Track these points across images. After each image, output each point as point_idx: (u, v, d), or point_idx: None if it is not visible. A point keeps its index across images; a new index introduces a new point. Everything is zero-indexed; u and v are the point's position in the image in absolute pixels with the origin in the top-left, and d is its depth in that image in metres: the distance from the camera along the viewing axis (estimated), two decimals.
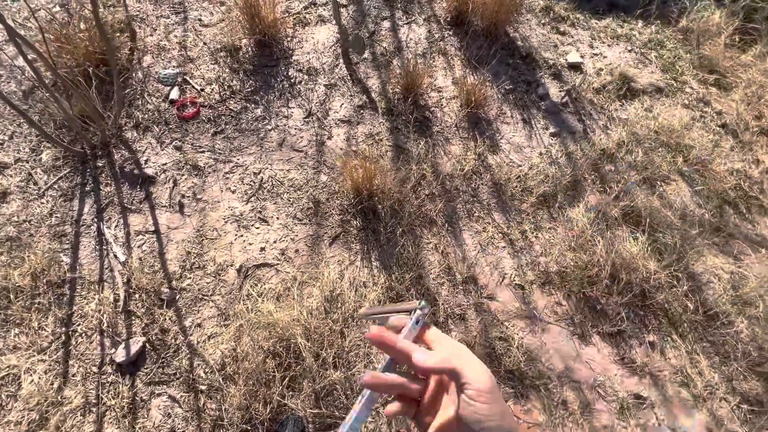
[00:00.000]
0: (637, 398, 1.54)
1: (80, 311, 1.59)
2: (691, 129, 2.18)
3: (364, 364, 1.51)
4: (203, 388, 1.47)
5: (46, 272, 1.63)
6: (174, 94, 2.07)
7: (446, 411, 0.39)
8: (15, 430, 1.38)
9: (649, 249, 1.77)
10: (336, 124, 2.08)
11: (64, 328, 1.55)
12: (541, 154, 2.07)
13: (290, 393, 1.45)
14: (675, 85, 2.36)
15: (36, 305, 1.58)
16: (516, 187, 1.96)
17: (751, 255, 1.83)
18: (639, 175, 2.00)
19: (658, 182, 2.01)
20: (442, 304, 1.65)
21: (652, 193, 1.96)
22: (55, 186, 1.82)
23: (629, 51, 2.48)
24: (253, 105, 2.10)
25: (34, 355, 1.50)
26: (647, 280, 1.70)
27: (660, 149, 2.11)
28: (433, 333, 0.42)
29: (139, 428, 1.41)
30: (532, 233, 1.85)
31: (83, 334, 1.55)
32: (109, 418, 1.42)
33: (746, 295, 1.70)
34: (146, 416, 1.43)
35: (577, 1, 2.61)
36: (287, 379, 1.46)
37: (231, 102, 2.10)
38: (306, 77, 2.20)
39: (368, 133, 2.05)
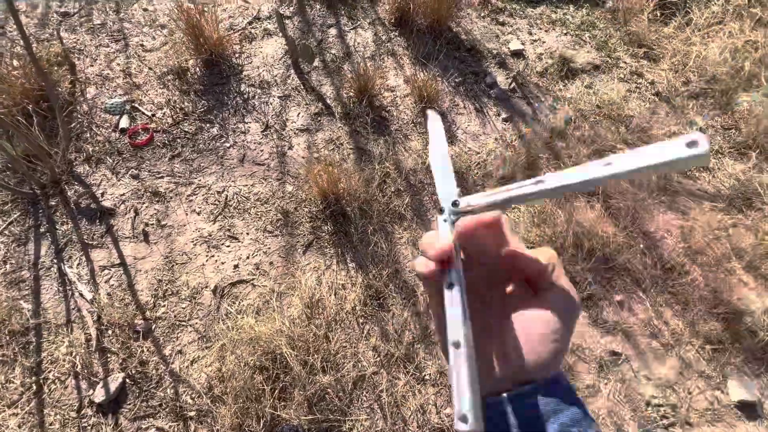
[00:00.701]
0: (613, 355, 1.63)
1: (50, 357, 1.52)
2: (628, 100, 2.34)
3: (352, 364, 1.52)
4: (192, 414, 1.44)
5: (6, 322, 1.54)
6: (124, 122, 2.02)
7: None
8: None
9: (605, 215, 1.89)
10: (295, 133, 2.09)
11: (34, 378, 1.48)
12: (496, 139, 2.16)
13: (282, 404, 1.44)
14: (610, 61, 2.53)
15: (0, 358, 1.50)
16: (477, 173, 2.03)
17: (695, 208, 1.99)
18: (588, 149, 2.12)
19: (607, 152, 2.15)
20: (421, 294, 1.69)
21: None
22: (6, 232, 1.73)
23: (565, 34, 2.64)
24: (208, 124, 2.08)
25: (4, 410, 1.42)
26: (607, 244, 1.81)
27: (604, 122, 2.25)
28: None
29: None
30: None
31: (56, 380, 1.48)
32: None
33: (696, 245, 1.85)
34: None
35: None
36: (277, 390, 1.45)
37: (185, 124, 2.07)
38: (259, 91, 2.20)
39: (328, 138, 2.08)
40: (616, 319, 1.70)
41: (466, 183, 2.00)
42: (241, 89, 2.20)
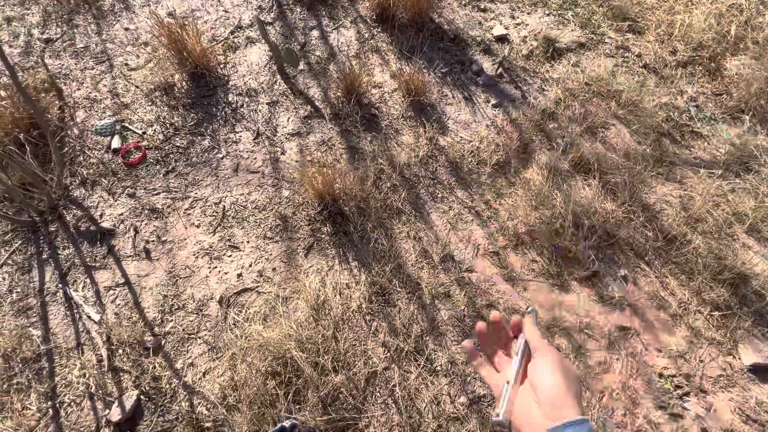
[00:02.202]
0: (621, 330, 1.63)
1: (63, 381, 1.53)
2: (617, 75, 2.33)
3: (363, 361, 1.53)
4: (208, 425, 1.45)
5: (17, 350, 1.56)
6: (115, 143, 2.03)
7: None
8: None
9: (603, 191, 1.88)
10: (286, 138, 2.09)
11: (50, 402, 1.49)
12: (487, 126, 2.16)
13: (297, 407, 1.45)
14: (595, 38, 2.52)
15: (14, 386, 1.51)
16: (471, 161, 2.03)
17: (692, 177, 1.98)
18: (580, 127, 2.12)
19: (599, 129, 2.14)
20: (426, 286, 1.70)
21: (595, 140, 2.09)
22: (9, 261, 1.75)
23: (548, 15, 2.63)
24: (199, 137, 2.09)
25: None
26: (607, 220, 1.81)
27: (594, 99, 2.24)
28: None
29: None
30: (495, 201, 1.93)
31: (72, 403, 1.50)
32: None
33: (696, 214, 1.84)
34: None
35: None
36: (291, 394, 1.46)
37: (176, 139, 2.07)
38: (247, 99, 2.20)
39: (320, 140, 2.08)
40: (622, 295, 1.70)
41: (461, 172, 2.00)
42: (229, 99, 2.20)
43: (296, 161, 2.02)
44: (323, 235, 1.82)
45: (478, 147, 2.07)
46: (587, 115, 2.16)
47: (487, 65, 2.38)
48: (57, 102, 2.10)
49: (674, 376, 1.53)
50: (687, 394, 1.50)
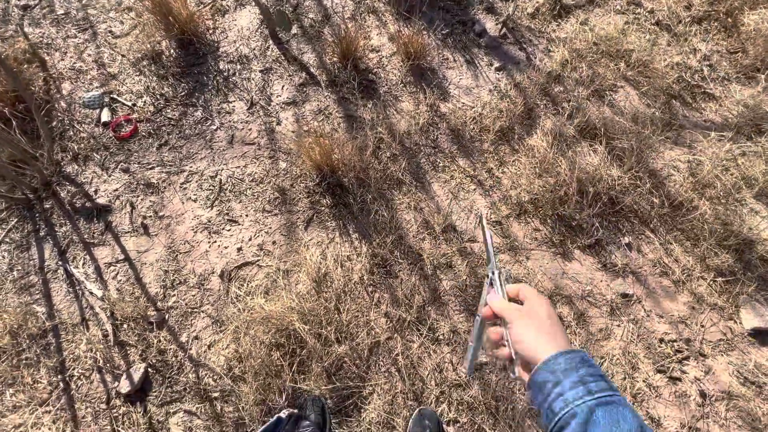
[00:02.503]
0: (624, 297, 1.63)
1: (71, 355, 1.55)
2: (627, 33, 2.21)
3: (365, 332, 1.54)
4: (216, 394, 1.48)
5: (23, 327, 1.57)
6: (105, 116, 1.96)
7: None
8: None
9: (609, 157, 1.83)
10: (281, 108, 2.02)
11: (59, 376, 1.52)
12: (490, 91, 2.07)
13: (302, 377, 1.48)
14: None
15: (24, 361, 1.54)
16: (473, 129, 1.97)
17: (702, 141, 1.92)
18: (587, 90, 2.03)
19: (607, 92, 2.05)
20: (427, 257, 1.68)
21: (602, 104, 2.01)
22: (6, 239, 1.73)
23: None
24: (191, 108, 2.01)
25: (37, 409, 1.47)
26: (613, 187, 1.77)
27: (602, 60, 2.13)
28: (525, 290, 0.59)
29: None
30: (498, 169, 1.88)
31: (81, 376, 1.53)
32: None
33: (704, 179, 1.79)
34: None
35: None
36: (295, 364, 1.48)
37: (168, 110, 2.00)
38: (238, 67, 2.11)
39: (316, 109, 2.01)
40: (625, 262, 1.69)
41: (462, 139, 1.94)
42: (220, 67, 2.11)
43: (292, 131, 1.95)
44: (323, 208, 1.79)
45: (481, 113, 2.00)
46: (595, 77, 2.07)
47: (490, 25, 2.25)
48: (41, 74, 2.01)
49: (675, 341, 1.54)
50: (687, 358, 1.52)
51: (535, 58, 2.17)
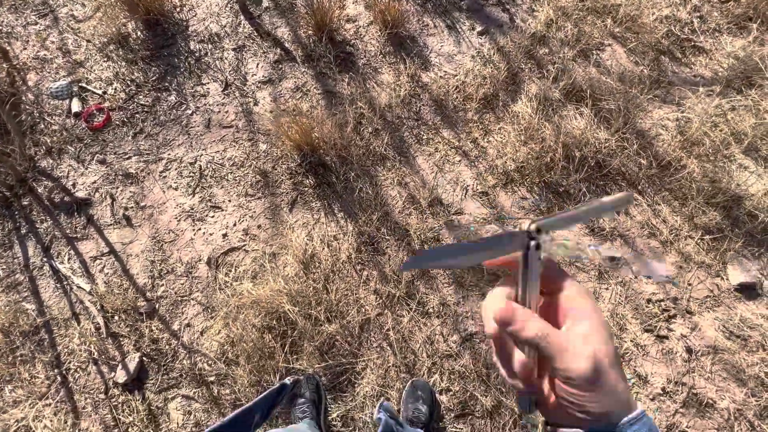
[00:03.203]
0: (611, 260, 1.63)
1: (66, 349, 1.56)
2: None
3: (356, 310, 1.55)
4: (212, 378, 1.51)
5: (15, 325, 1.58)
6: (75, 106, 1.89)
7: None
8: None
9: (595, 120, 1.79)
10: (258, 87, 1.95)
11: (56, 370, 1.54)
12: (473, 57, 2.00)
13: (294, 357, 1.49)
14: None
15: (19, 358, 1.55)
16: (457, 98, 1.91)
17: (691, 97, 1.87)
18: (572, 50, 1.96)
19: (593, 51, 1.98)
20: (414, 232, 1.67)
21: (588, 64, 1.94)
22: None
23: None
24: (164, 93, 1.94)
25: (37, 403, 1.49)
26: (600, 150, 1.74)
27: (588, 17, 2.05)
28: (570, 291, 0.34)
29: None
30: (483, 139, 1.84)
31: (78, 369, 1.54)
32: None
33: (692, 137, 1.76)
34: (168, 420, 1.48)
35: None
36: (287, 345, 1.49)
37: (140, 97, 1.93)
38: (210, 46, 2.02)
39: (293, 87, 1.94)
40: (613, 225, 1.68)
41: (446, 110, 1.89)
42: (191, 47, 2.02)
43: (271, 111, 1.89)
44: (306, 188, 1.76)
45: (464, 81, 1.93)
46: (581, 35, 1.99)
47: None
48: (3, 65, 1.93)
49: (662, 300, 1.56)
50: (674, 316, 1.54)
51: (518, 19, 2.08)
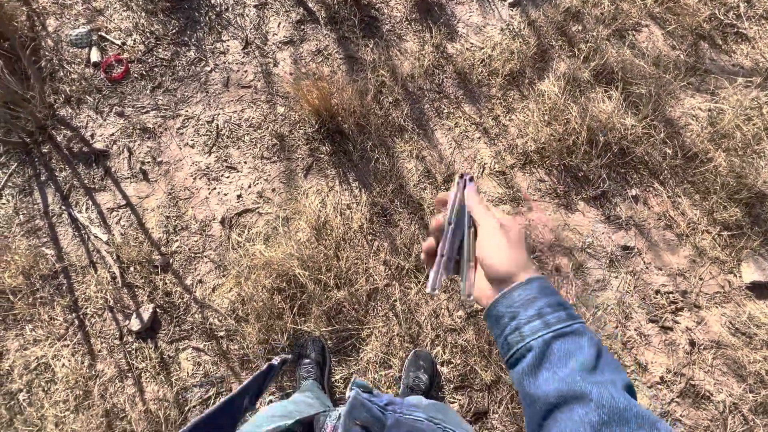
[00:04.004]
0: (624, 249, 1.62)
1: (83, 295, 1.62)
2: None
3: (364, 279, 1.57)
4: (221, 334, 1.56)
5: (35, 268, 1.63)
6: (95, 55, 1.87)
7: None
8: (64, 407, 1.50)
9: (624, 105, 1.73)
10: (278, 47, 1.90)
11: (74, 314, 1.60)
12: (502, 30, 1.92)
13: (302, 319, 1.53)
14: None
15: (39, 300, 1.61)
16: (482, 72, 1.85)
17: (728, 87, 1.79)
18: (607, 29, 1.87)
19: (629, 32, 1.89)
20: (428, 207, 1.67)
21: (623, 45, 1.86)
22: (9, 184, 1.74)
23: None
24: (183, 48, 1.91)
25: (56, 343, 1.57)
26: (625, 136, 1.69)
27: None
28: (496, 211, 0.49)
29: (176, 380, 1.53)
30: (505, 117, 1.80)
31: (94, 315, 1.60)
32: (146, 378, 1.53)
33: (723, 129, 1.70)
34: (178, 369, 1.54)
35: None
36: (296, 307, 1.53)
37: (159, 50, 1.90)
38: (231, 1, 1.96)
39: (315, 50, 1.89)
40: (629, 214, 1.66)
41: (469, 84, 1.83)
42: (212, 1, 1.96)
43: (290, 74, 1.86)
44: (322, 155, 1.75)
45: (490, 55, 1.86)
46: (618, 14, 1.89)
47: None
48: (23, 8, 1.90)
49: (671, 293, 1.55)
50: (681, 309, 1.54)
51: None
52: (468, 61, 1.85)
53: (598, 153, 1.68)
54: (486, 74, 1.84)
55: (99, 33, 1.91)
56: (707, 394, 1.43)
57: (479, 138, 1.77)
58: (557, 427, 0.33)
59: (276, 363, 0.59)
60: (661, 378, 1.46)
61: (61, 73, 1.87)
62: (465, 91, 1.83)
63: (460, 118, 1.79)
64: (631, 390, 0.34)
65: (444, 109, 1.81)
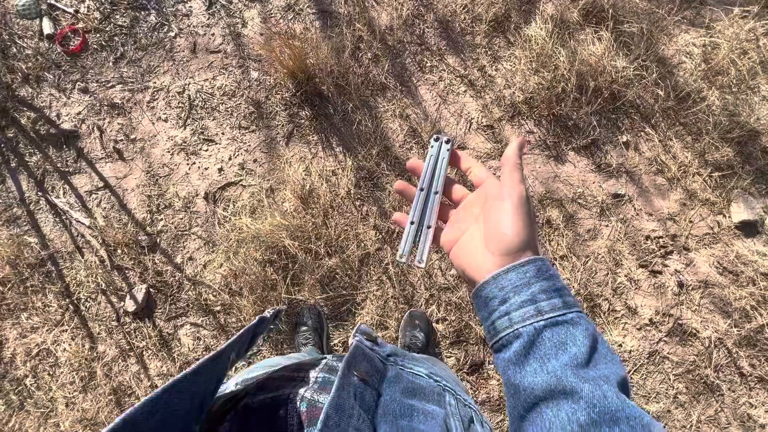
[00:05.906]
0: (615, 197, 1.61)
1: (74, 281, 1.61)
2: None
3: (355, 245, 1.56)
4: (218, 308, 1.57)
5: (20, 257, 1.60)
6: (47, 27, 1.73)
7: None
8: (72, 388, 1.53)
9: (615, 45, 1.64)
10: (245, 6, 1.76)
11: (67, 299, 1.60)
12: None
13: (296, 289, 1.54)
14: None
15: (30, 288, 1.60)
16: (464, 19, 1.74)
17: (723, 19, 1.69)
18: None
19: None
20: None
21: None
22: None
23: None
24: (143, 12, 1.76)
25: (54, 329, 1.57)
26: (615, 80, 1.62)
27: None
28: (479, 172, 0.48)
29: (177, 355, 1.55)
30: (491, 66, 1.71)
31: (88, 299, 1.60)
32: (148, 356, 1.56)
33: (718, 65, 1.63)
34: (179, 345, 1.57)
35: None
36: (289, 278, 1.53)
37: (116, 16, 1.76)
38: None
39: (285, 5, 1.75)
40: (620, 161, 1.63)
41: (452, 33, 1.73)
42: None
43: (261, 34, 1.74)
44: (302, 120, 1.68)
45: (473, 0, 1.74)
46: None
47: None
48: None
49: (660, 237, 1.56)
50: (670, 253, 1.55)
51: None
52: (449, 8, 1.73)
53: (588, 99, 1.62)
54: (469, 21, 1.73)
55: (48, 1, 1.75)
56: (694, 331, 1.48)
57: (465, 91, 1.70)
58: (542, 422, 0.31)
59: (268, 315, 0.56)
60: (650, 320, 1.50)
61: (14, 49, 1.73)
62: (448, 42, 1.73)
63: (444, 71, 1.71)
64: (625, 385, 0.32)
65: (426, 62, 1.71)
